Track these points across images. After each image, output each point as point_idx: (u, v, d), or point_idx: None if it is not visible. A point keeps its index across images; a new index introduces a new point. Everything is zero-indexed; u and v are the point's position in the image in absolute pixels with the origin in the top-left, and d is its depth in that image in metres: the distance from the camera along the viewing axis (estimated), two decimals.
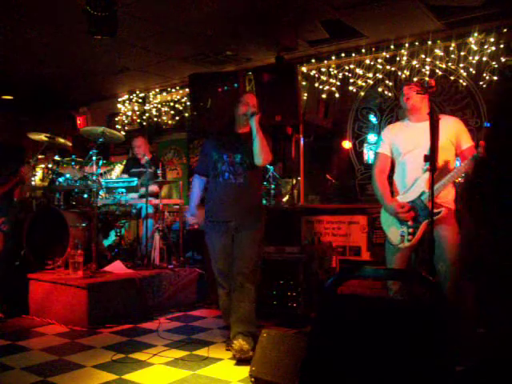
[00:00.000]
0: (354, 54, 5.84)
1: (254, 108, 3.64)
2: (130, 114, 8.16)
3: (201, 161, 3.89)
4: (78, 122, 8.53)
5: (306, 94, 6.17)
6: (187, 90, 6.93)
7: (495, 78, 5.05)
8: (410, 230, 3.17)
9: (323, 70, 6.12)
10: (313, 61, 6.15)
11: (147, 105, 7.94)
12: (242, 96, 3.85)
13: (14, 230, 5.05)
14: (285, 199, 6.54)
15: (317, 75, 6.15)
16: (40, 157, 5.83)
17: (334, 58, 6.02)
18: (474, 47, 5.10)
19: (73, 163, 5.76)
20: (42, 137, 5.61)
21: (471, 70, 5.17)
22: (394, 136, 3.40)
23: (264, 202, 6.07)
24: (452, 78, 5.33)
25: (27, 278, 4.72)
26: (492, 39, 5.01)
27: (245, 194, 3.60)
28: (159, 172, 5.77)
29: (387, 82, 5.74)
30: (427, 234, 3.05)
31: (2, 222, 4.78)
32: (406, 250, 3.23)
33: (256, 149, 3.52)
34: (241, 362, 3.28)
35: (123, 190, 5.51)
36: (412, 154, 3.25)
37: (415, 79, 5.51)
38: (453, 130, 3.24)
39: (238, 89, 5.96)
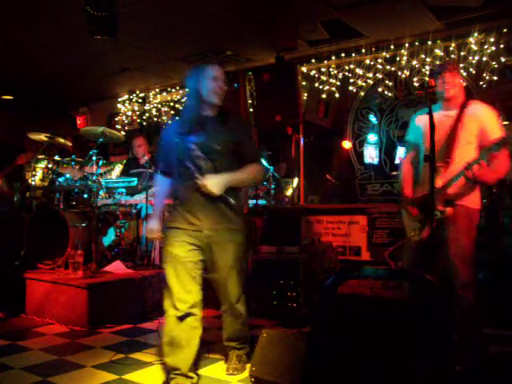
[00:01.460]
0: (354, 54, 5.85)
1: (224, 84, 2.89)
2: (130, 113, 8.17)
3: (158, 154, 3.12)
4: (78, 121, 8.53)
5: (305, 94, 6.18)
6: (187, 90, 6.93)
7: (495, 78, 5.05)
8: (419, 226, 3.05)
9: (323, 69, 6.12)
10: (313, 61, 6.16)
11: (147, 105, 7.95)
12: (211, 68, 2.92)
13: (8, 226, 5.04)
14: (285, 199, 6.55)
15: (317, 75, 6.15)
16: (40, 157, 5.83)
17: (334, 57, 6.02)
18: (474, 47, 5.10)
19: (73, 163, 5.76)
20: (42, 137, 5.61)
21: (471, 69, 5.17)
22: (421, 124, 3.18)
23: (264, 201, 6.07)
24: None
25: (27, 278, 4.72)
26: (492, 39, 5.02)
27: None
28: None
29: (387, 81, 5.75)
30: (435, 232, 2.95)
31: None
32: (416, 244, 3.08)
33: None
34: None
35: (123, 190, 5.51)
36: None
37: (415, 79, 5.52)
38: (475, 119, 2.95)
39: (238, 89, 5.96)
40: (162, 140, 3.00)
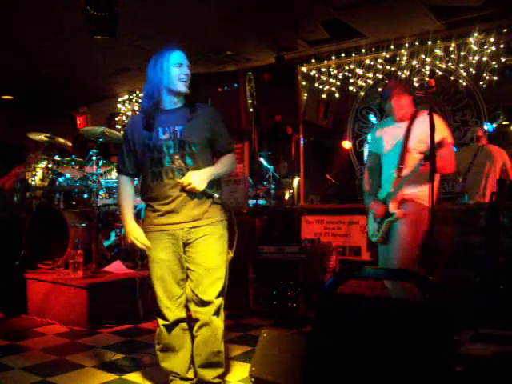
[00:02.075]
0: (354, 54, 5.85)
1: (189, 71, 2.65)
2: (129, 114, 8.17)
3: (122, 154, 2.71)
4: (78, 122, 8.53)
5: (305, 94, 6.18)
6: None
7: (495, 78, 5.05)
8: (377, 227, 3.30)
9: (323, 69, 6.13)
10: (313, 61, 6.16)
11: None
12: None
13: (8, 228, 5.05)
14: (285, 199, 6.55)
15: (317, 75, 6.15)
16: (40, 157, 5.83)
17: (334, 57, 6.03)
18: (474, 47, 5.10)
19: (73, 163, 5.76)
20: (42, 137, 5.61)
21: (471, 69, 5.18)
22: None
23: (264, 201, 6.07)
24: (452, 78, 5.33)
25: (27, 278, 4.72)
26: (492, 39, 5.02)
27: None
28: None
29: (387, 81, 5.74)
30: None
31: None
32: (381, 244, 3.34)
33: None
34: None
35: None
36: (389, 153, 3.33)
37: (415, 79, 5.52)
38: (423, 128, 3.07)
39: (238, 89, 5.96)
40: (127, 138, 2.66)
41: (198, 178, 2.50)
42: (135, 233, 2.60)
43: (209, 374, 2.66)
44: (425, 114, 3.17)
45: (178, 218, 2.56)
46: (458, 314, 3.03)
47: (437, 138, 2.93)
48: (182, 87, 2.59)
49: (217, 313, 2.61)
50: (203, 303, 2.58)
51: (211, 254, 2.59)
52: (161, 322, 2.64)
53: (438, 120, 3.12)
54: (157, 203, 2.59)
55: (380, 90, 5.78)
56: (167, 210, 2.57)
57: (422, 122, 3.16)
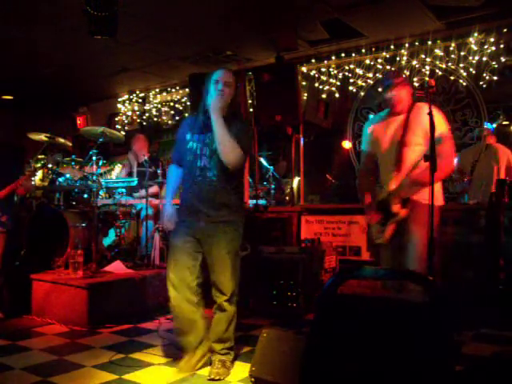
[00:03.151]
0: (354, 54, 5.85)
1: (225, 86, 2.97)
2: (130, 113, 8.17)
3: (176, 146, 3.26)
4: (78, 122, 8.53)
5: (305, 94, 6.18)
6: (187, 90, 6.94)
7: (495, 78, 5.05)
8: (382, 229, 3.20)
9: (323, 69, 6.13)
10: (313, 61, 6.16)
11: (147, 105, 7.95)
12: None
13: (14, 230, 5.05)
14: (285, 199, 6.55)
15: (317, 75, 6.15)
16: (40, 157, 5.83)
17: (334, 57, 6.03)
18: (474, 47, 5.10)
19: (73, 163, 5.76)
20: (42, 137, 5.61)
21: (471, 69, 5.18)
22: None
23: (264, 201, 6.08)
24: (452, 78, 5.33)
25: (27, 278, 4.72)
26: (492, 39, 5.02)
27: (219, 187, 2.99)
28: (159, 172, 5.78)
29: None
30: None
31: (7, 220, 4.77)
32: (385, 246, 3.23)
33: (217, 144, 2.93)
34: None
35: (123, 190, 5.51)
36: (386, 151, 3.21)
37: (415, 79, 5.52)
38: (420, 121, 3.05)
39: (238, 89, 5.96)
40: (178, 133, 3.22)
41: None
42: (170, 215, 3.12)
43: (218, 346, 3.12)
44: (422, 105, 3.10)
45: (194, 211, 3.06)
46: (458, 314, 3.03)
47: (436, 134, 2.84)
48: (217, 103, 2.93)
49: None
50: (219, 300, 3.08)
51: (220, 250, 3.05)
52: (171, 294, 3.04)
53: (438, 115, 3.01)
54: (184, 194, 3.17)
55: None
56: (188, 202, 3.12)
57: (420, 113, 3.06)
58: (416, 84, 5.50)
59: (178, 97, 7.64)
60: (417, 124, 3.06)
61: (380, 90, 3.20)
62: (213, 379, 2.97)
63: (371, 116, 6.00)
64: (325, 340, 1.82)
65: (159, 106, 7.84)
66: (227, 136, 2.90)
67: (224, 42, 5.83)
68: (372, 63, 5.78)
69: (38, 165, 5.70)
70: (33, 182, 5.64)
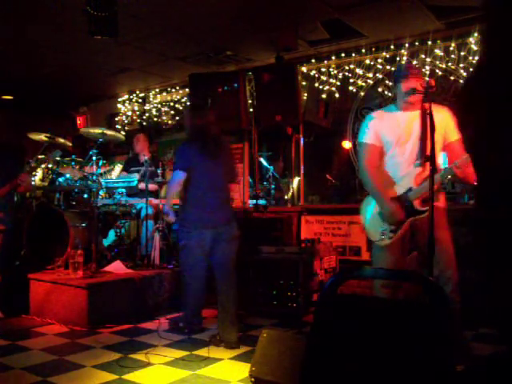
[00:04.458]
0: (354, 54, 5.85)
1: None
2: (130, 113, 8.17)
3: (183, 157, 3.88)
4: (78, 122, 8.53)
5: (305, 94, 6.17)
6: (187, 89, 6.94)
7: None
8: (393, 228, 3.00)
9: (323, 69, 6.12)
10: (313, 61, 6.16)
11: (147, 105, 7.95)
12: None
13: (13, 228, 5.05)
14: (285, 198, 6.54)
15: (317, 75, 6.15)
16: (40, 157, 5.83)
17: (334, 57, 6.02)
18: (474, 47, 5.10)
19: (73, 163, 5.76)
20: (42, 137, 5.61)
21: (471, 70, 5.17)
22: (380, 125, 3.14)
23: (264, 201, 6.07)
24: (452, 78, 5.33)
25: (27, 278, 4.72)
26: None
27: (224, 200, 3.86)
28: (159, 171, 5.77)
29: (387, 81, 5.74)
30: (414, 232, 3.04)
31: (4, 217, 4.74)
32: (391, 248, 3.04)
33: None
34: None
35: (123, 190, 5.51)
36: (403, 146, 3.05)
37: None
38: (442, 121, 2.97)
39: (238, 89, 5.96)
40: (185, 150, 3.83)
41: None
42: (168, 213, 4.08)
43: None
44: (438, 106, 2.99)
45: (209, 219, 3.79)
46: (458, 314, 3.03)
47: (455, 137, 2.95)
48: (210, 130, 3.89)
49: None
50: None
51: (227, 253, 3.87)
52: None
53: (449, 116, 2.99)
54: (196, 205, 3.81)
55: (380, 89, 5.77)
56: (203, 211, 3.81)
57: (439, 112, 2.95)
58: None
59: (178, 97, 7.63)
60: (437, 122, 2.87)
61: (392, 82, 3.04)
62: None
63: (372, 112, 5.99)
64: (325, 340, 1.82)
65: (159, 106, 7.84)
66: None
67: (224, 42, 5.83)
68: (372, 63, 5.78)
69: (38, 165, 5.70)
70: (33, 182, 5.65)
